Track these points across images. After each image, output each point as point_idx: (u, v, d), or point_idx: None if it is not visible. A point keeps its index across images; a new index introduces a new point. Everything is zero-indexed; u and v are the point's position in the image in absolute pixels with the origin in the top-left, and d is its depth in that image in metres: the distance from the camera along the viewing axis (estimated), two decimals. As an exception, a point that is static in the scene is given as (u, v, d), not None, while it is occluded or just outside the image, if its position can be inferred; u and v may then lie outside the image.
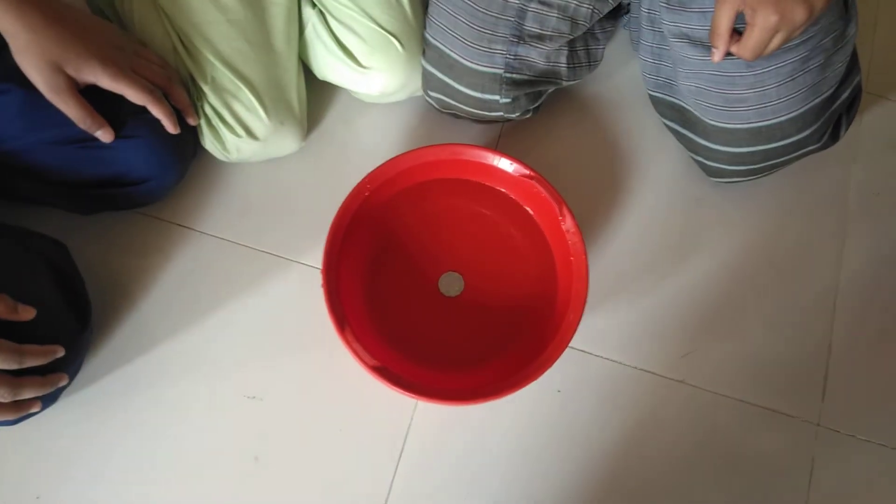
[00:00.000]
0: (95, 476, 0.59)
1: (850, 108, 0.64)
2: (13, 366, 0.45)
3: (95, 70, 0.51)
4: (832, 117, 0.62)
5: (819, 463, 0.62)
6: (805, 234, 0.70)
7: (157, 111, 0.55)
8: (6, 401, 0.46)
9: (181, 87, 0.58)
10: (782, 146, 0.61)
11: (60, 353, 0.49)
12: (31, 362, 0.46)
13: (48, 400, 0.52)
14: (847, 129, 0.65)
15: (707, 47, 0.59)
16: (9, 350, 0.45)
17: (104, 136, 0.54)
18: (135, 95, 0.53)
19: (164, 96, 0.56)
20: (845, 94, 0.62)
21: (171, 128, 0.56)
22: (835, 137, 0.64)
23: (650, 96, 0.70)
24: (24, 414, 0.49)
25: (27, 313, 0.47)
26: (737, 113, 0.60)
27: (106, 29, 0.54)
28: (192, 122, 0.59)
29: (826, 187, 0.72)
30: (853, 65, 0.62)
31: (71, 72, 0.50)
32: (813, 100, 0.59)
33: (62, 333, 0.52)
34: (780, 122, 0.60)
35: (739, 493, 0.62)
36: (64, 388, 0.53)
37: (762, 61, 0.58)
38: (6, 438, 0.59)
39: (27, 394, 0.47)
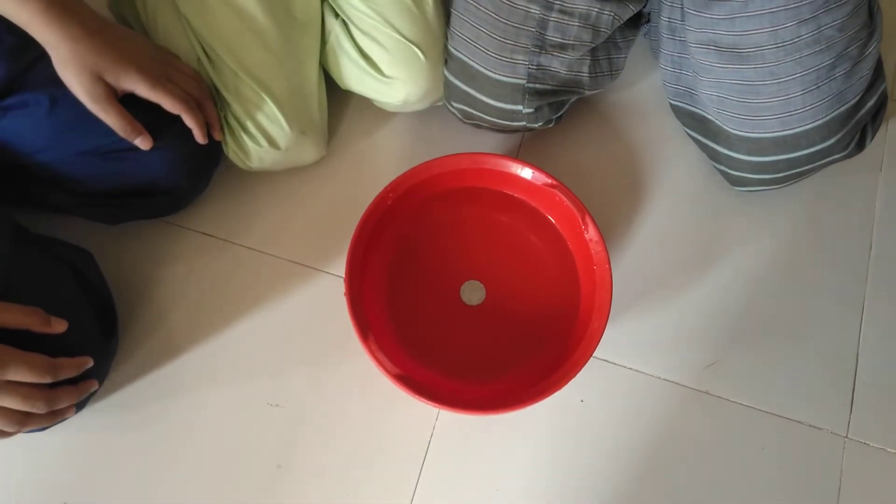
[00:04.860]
0: (120, 482, 0.59)
1: (876, 117, 0.63)
2: (48, 380, 0.46)
3: (133, 78, 0.51)
4: (858, 125, 0.61)
5: (848, 477, 0.61)
6: (831, 244, 0.69)
7: (189, 120, 0.55)
8: (42, 412, 0.46)
9: (212, 101, 0.59)
10: (807, 155, 0.61)
11: (90, 364, 0.50)
12: (64, 375, 0.47)
13: (78, 406, 0.52)
14: (873, 138, 0.64)
15: (732, 55, 0.59)
16: (44, 365, 0.46)
17: (143, 143, 0.54)
18: (171, 104, 0.54)
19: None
20: (871, 103, 0.61)
21: (201, 138, 0.57)
22: (861, 146, 0.63)
23: (671, 105, 0.70)
24: (58, 420, 0.49)
25: (60, 326, 0.47)
26: (760, 122, 0.60)
27: (141, 40, 0.55)
28: (217, 136, 0.60)
29: (852, 196, 0.71)
30: (878, 73, 0.62)
31: (110, 80, 0.51)
32: (838, 108, 0.59)
33: (89, 342, 0.53)
34: (806, 131, 0.59)
35: (766, 506, 0.61)
36: (93, 393, 0.53)
37: (786, 69, 0.57)
38: (34, 444, 0.59)
39: (62, 403, 0.48)
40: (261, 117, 0.60)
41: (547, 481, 0.61)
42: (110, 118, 0.52)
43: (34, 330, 0.46)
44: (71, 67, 0.49)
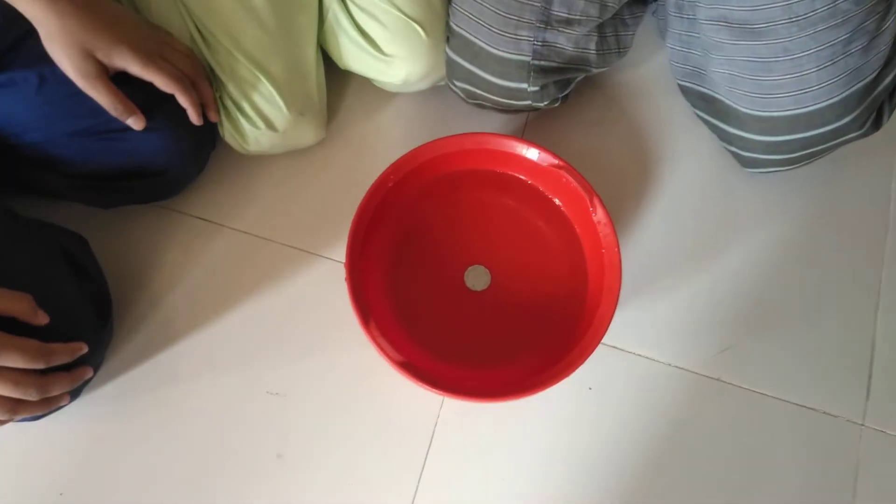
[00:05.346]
0: (117, 472, 0.58)
1: (894, 94, 0.61)
2: (40, 365, 0.45)
3: (125, 56, 0.50)
4: (874, 103, 0.60)
5: (864, 465, 0.60)
6: (846, 226, 0.67)
7: (184, 100, 0.54)
8: (35, 399, 0.45)
9: (207, 80, 0.58)
10: (822, 133, 0.59)
11: (84, 349, 0.49)
12: (57, 361, 0.46)
13: (72, 394, 0.51)
14: (890, 116, 0.62)
15: (744, 31, 0.57)
16: (36, 350, 0.44)
17: (136, 123, 0.53)
18: (164, 82, 0.52)
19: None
20: (888, 79, 0.59)
21: (195, 118, 0.56)
22: (877, 125, 0.61)
23: (679, 86, 0.69)
24: (52, 408, 0.48)
25: (43, 318, 0.46)
26: (773, 100, 0.58)
27: (133, 17, 0.54)
28: (213, 118, 0.59)
29: (867, 177, 0.69)
30: (896, 48, 0.60)
31: (101, 57, 0.49)
32: (854, 84, 0.57)
33: (83, 328, 0.52)
34: (820, 109, 0.57)
35: (779, 496, 0.59)
36: (88, 381, 0.52)
37: (801, 44, 0.56)
38: (30, 435, 0.58)
39: (55, 391, 0.47)
40: (258, 98, 0.59)
41: (554, 471, 0.59)
42: (101, 96, 0.51)
43: (21, 319, 0.45)
44: (59, 43, 0.48)
